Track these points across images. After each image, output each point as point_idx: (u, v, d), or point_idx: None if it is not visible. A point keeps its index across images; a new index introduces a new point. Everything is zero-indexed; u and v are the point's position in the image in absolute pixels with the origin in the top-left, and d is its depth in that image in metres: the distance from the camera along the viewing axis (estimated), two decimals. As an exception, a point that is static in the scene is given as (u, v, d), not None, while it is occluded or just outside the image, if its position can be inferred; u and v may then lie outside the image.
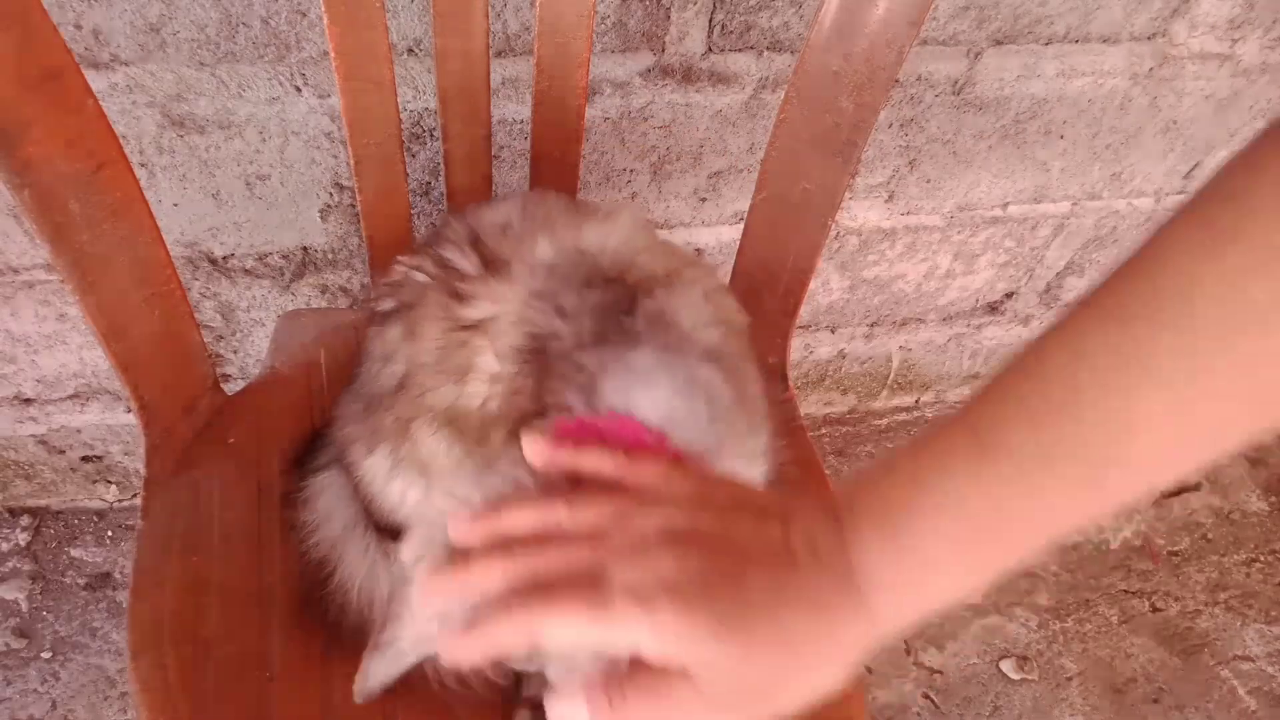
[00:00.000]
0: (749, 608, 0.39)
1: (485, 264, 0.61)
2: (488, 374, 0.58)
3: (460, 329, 0.59)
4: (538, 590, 0.41)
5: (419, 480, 0.62)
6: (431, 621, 0.47)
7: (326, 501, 0.68)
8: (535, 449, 0.48)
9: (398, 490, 0.62)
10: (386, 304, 0.64)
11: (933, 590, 0.40)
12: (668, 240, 0.69)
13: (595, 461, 0.47)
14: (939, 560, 0.39)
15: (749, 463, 0.56)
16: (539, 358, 0.57)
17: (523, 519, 0.45)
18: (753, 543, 0.41)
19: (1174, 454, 0.36)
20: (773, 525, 0.42)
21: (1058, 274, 1.38)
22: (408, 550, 0.50)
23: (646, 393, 0.52)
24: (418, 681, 0.62)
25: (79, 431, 1.19)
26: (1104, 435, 0.36)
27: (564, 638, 0.40)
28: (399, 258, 0.66)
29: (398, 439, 0.61)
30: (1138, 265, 0.36)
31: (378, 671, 0.49)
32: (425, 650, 0.49)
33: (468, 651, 0.42)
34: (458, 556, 0.45)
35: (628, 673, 0.40)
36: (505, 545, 0.44)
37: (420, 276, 0.63)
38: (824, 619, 0.40)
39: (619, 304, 0.58)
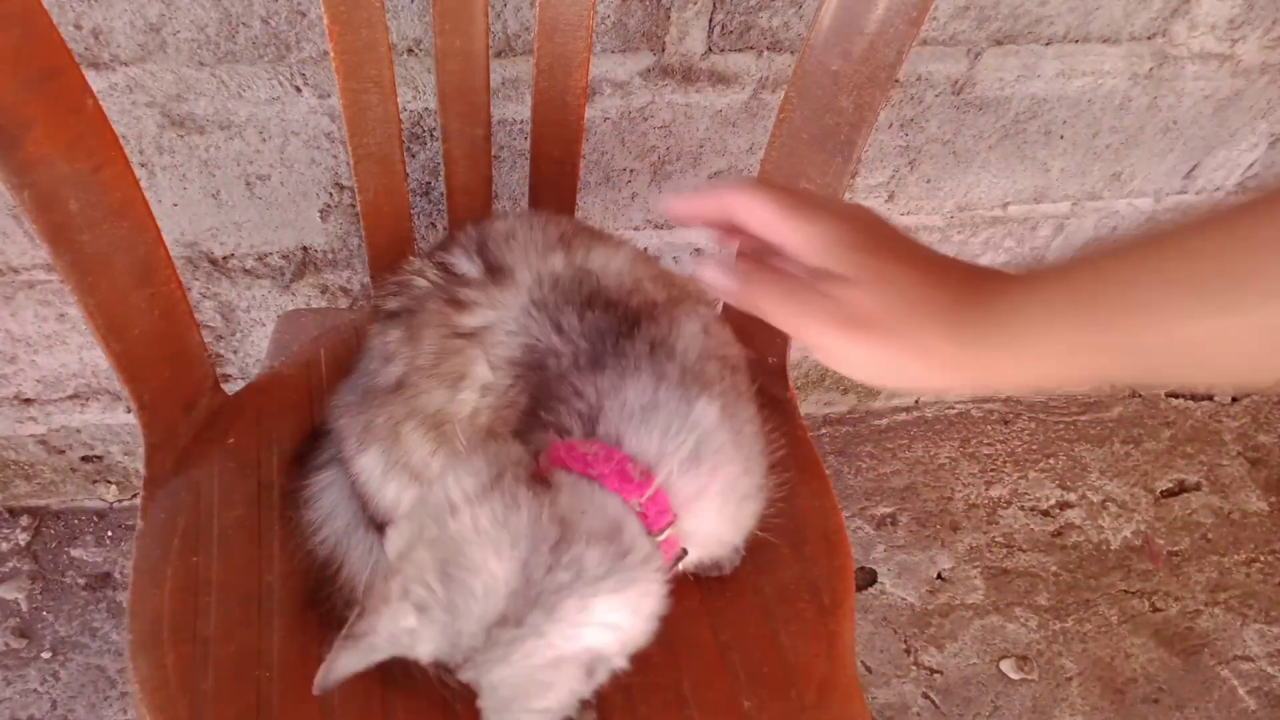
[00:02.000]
0: (896, 250, 0.45)
1: (489, 270, 0.61)
2: (480, 383, 0.58)
3: (456, 336, 0.59)
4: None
5: (411, 485, 0.62)
6: (408, 618, 0.47)
7: (329, 500, 0.68)
8: (666, 204, 0.50)
9: (393, 492, 0.63)
10: (392, 303, 0.65)
11: (1036, 354, 0.41)
12: (670, 269, 0.69)
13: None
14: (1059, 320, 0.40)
15: (740, 502, 0.57)
16: (535, 372, 0.57)
17: None
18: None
19: None
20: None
21: (1058, 274, 1.38)
22: (392, 543, 0.50)
23: (638, 434, 0.52)
24: (418, 680, 0.62)
25: (79, 431, 1.19)
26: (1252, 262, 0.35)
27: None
28: (409, 258, 0.66)
29: (390, 441, 0.61)
30: None
31: (345, 664, 0.48)
32: (398, 649, 0.48)
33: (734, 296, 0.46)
34: None
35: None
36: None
37: (422, 283, 0.63)
38: (946, 300, 0.43)
39: (618, 328, 0.57)
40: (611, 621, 0.48)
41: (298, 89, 0.88)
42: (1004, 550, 1.42)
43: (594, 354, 0.56)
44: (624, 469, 0.51)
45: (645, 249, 1.14)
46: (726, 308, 0.81)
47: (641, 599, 0.49)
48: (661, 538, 0.51)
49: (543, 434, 0.54)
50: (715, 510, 0.55)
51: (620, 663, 0.49)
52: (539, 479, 0.51)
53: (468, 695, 0.61)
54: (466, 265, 0.62)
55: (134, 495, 1.30)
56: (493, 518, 0.47)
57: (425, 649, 0.48)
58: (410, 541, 0.49)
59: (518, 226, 0.65)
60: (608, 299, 0.59)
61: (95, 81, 0.82)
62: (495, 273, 0.61)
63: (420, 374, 0.60)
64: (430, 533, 0.48)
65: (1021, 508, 1.48)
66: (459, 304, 0.60)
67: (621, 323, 0.58)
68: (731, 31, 0.94)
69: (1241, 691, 1.30)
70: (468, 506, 0.47)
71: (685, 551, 0.53)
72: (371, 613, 0.47)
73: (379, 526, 0.65)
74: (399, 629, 0.47)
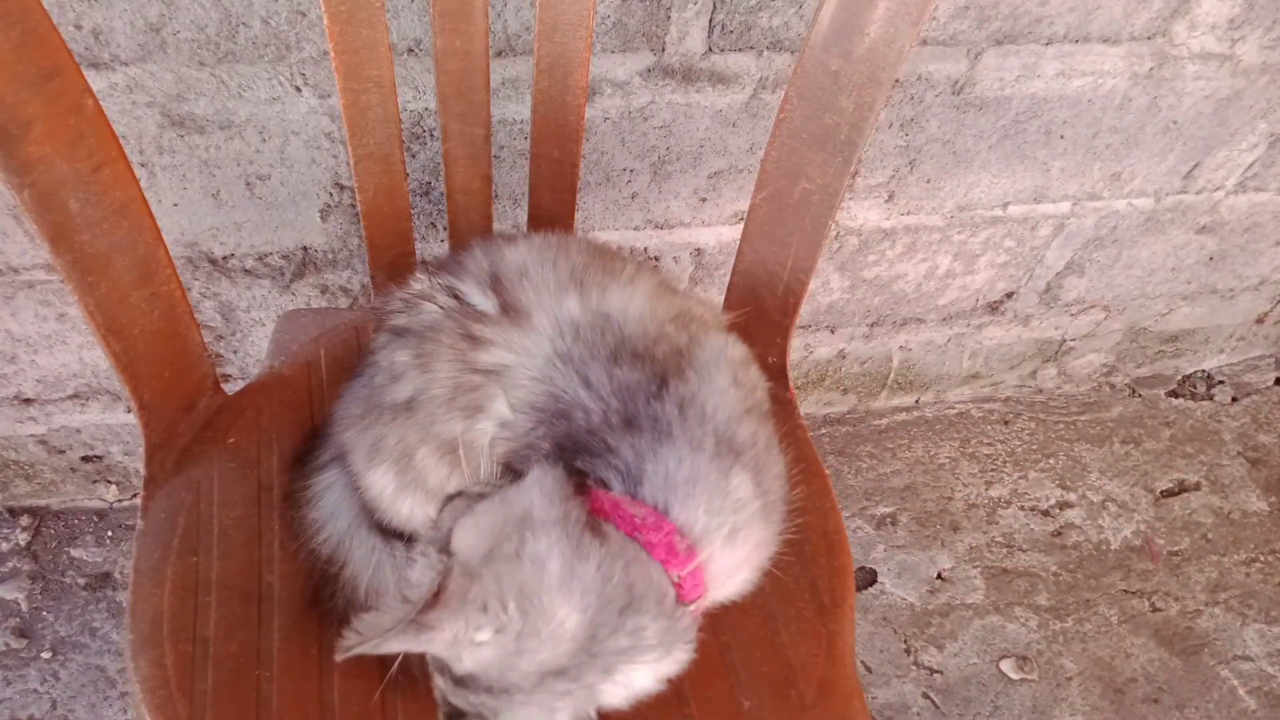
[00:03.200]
0: None
1: (503, 309, 0.60)
2: (498, 418, 0.58)
3: (474, 372, 0.59)
4: None
5: (428, 503, 0.62)
6: (483, 633, 0.47)
7: (331, 500, 0.68)
8: None
9: (407, 508, 0.63)
10: (399, 320, 0.64)
11: None
12: (686, 295, 0.68)
13: None
14: None
15: (762, 555, 0.57)
16: (561, 421, 0.56)
17: None
18: None
19: None
20: None
21: (1058, 274, 1.38)
22: (465, 536, 0.50)
23: (685, 506, 0.53)
24: (419, 680, 0.62)
25: (79, 431, 1.19)
26: None
27: None
28: (416, 274, 0.65)
29: (403, 462, 0.61)
30: None
31: (397, 646, 0.47)
32: (448, 652, 0.48)
33: None
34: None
35: None
36: None
37: (432, 308, 0.62)
38: None
39: (647, 386, 0.57)
40: (638, 684, 0.50)
41: (298, 89, 0.88)
42: (1004, 550, 1.42)
43: (626, 413, 0.55)
44: (672, 541, 0.51)
45: (645, 250, 1.14)
46: (732, 276, 0.81)
47: (669, 667, 0.51)
48: (692, 609, 0.52)
49: (579, 479, 0.54)
50: (741, 580, 0.57)
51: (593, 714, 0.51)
52: (591, 523, 0.51)
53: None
54: (480, 299, 0.61)
55: (134, 495, 1.30)
56: (564, 562, 0.48)
57: (470, 664, 0.48)
58: (490, 545, 0.49)
59: (529, 262, 0.63)
60: (634, 351, 0.58)
61: (95, 81, 0.82)
62: (511, 313, 0.60)
63: (435, 404, 0.59)
64: (509, 547, 0.48)
65: (1021, 508, 1.48)
66: (474, 339, 0.59)
67: (651, 380, 0.57)
68: (731, 31, 0.94)
69: (1241, 691, 1.30)
70: (545, 535, 0.48)
71: (700, 618, 0.55)
72: (445, 609, 0.46)
73: (391, 535, 0.66)
74: (467, 637, 0.47)
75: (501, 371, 0.58)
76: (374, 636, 0.46)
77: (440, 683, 0.50)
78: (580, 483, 0.54)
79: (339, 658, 0.47)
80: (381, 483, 0.63)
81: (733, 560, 0.54)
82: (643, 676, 0.50)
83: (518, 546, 0.48)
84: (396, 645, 0.47)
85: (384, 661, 0.63)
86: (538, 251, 0.64)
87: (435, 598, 0.46)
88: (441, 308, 0.62)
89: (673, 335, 0.60)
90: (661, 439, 0.54)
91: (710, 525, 0.53)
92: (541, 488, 0.50)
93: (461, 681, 0.48)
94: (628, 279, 0.63)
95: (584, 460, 0.54)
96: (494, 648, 0.47)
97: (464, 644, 0.47)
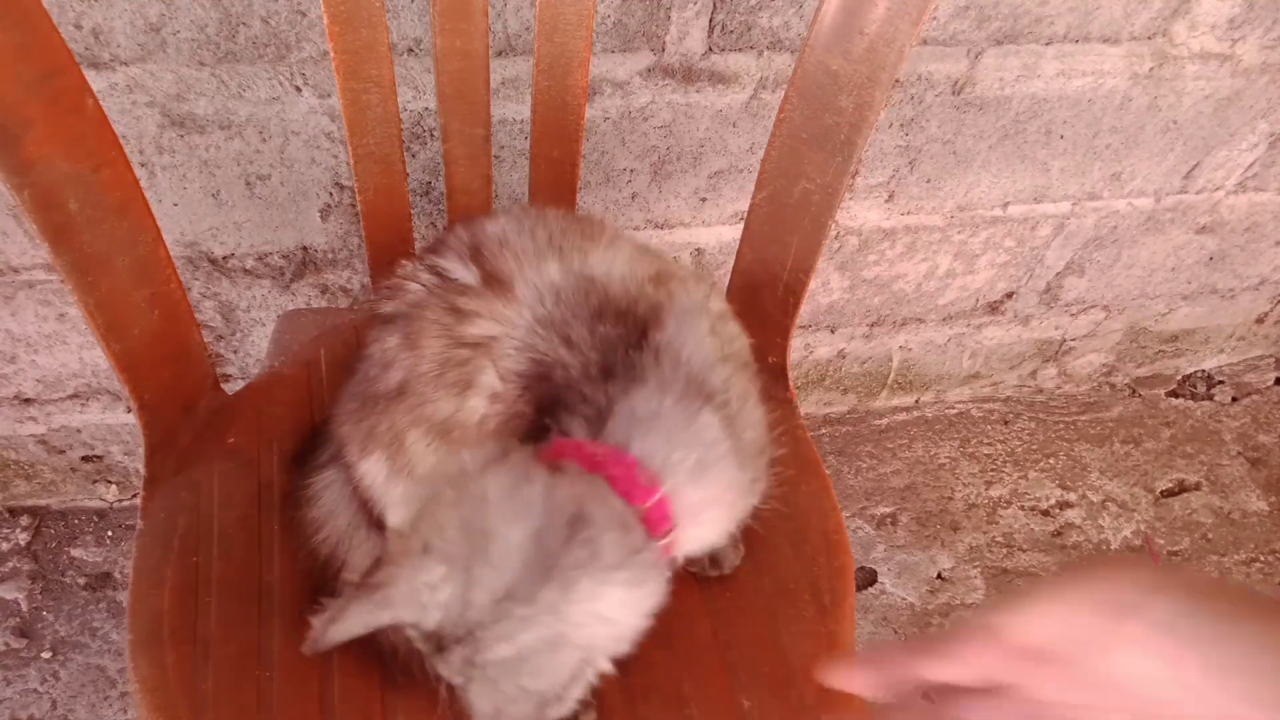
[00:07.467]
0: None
1: (485, 280, 0.61)
2: (489, 391, 0.58)
3: (461, 345, 0.59)
4: None
5: (420, 488, 0.62)
6: (434, 570, 0.46)
7: (330, 499, 0.68)
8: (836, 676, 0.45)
9: (399, 495, 0.63)
10: (386, 307, 0.64)
11: None
12: (662, 257, 0.69)
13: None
14: None
15: (733, 502, 0.57)
16: (541, 384, 0.57)
17: None
18: None
19: None
20: None
21: (1058, 274, 1.38)
22: (399, 512, 0.50)
23: (646, 439, 0.52)
24: (418, 680, 0.62)
25: (79, 431, 1.19)
26: None
27: None
28: (401, 261, 0.66)
29: (393, 449, 0.61)
30: None
31: (353, 621, 0.46)
32: (412, 610, 0.46)
33: None
34: None
35: None
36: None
37: (416, 287, 0.62)
38: None
39: (628, 338, 0.57)
40: (615, 618, 0.48)
41: (298, 89, 0.88)
42: (1004, 550, 1.42)
43: (605, 364, 0.56)
44: (633, 474, 0.51)
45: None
46: (732, 276, 0.81)
47: (646, 599, 0.49)
48: (660, 544, 0.51)
49: (546, 436, 0.54)
50: (711, 520, 0.56)
51: (605, 665, 0.48)
52: (547, 463, 0.51)
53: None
54: (462, 271, 0.61)
55: (134, 495, 1.30)
56: (503, 489, 0.47)
57: (435, 614, 0.46)
58: (424, 507, 0.48)
59: (508, 230, 0.64)
60: (618, 309, 0.59)
61: (95, 81, 0.82)
62: (493, 283, 0.60)
63: (424, 382, 0.60)
64: (448, 496, 0.48)
65: (1021, 508, 1.48)
66: (459, 312, 0.59)
67: (632, 332, 0.57)
68: (731, 31, 0.94)
69: (1241, 691, 1.30)
70: (481, 476, 0.48)
71: (675, 560, 0.54)
72: (390, 564, 0.45)
73: (382, 526, 0.65)
74: (421, 582, 0.45)
75: (489, 343, 0.58)
76: (334, 618, 0.45)
77: (430, 659, 0.48)
78: (541, 435, 0.54)
79: (307, 650, 0.46)
80: (374, 471, 0.63)
81: (700, 496, 0.53)
82: (613, 603, 0.47)
83: (456, 493, 0.48)
84: (358, 620, 0.46)
85: (384, 661, 0.63)
86: (516, 221, 0.64)
87: (378, 561, 0.46)
88: (424, 285, 0.62)
89: (652, 294, 0.61)
90: (634, 382, 0.54)
91: (672, 457, 0.52)
92: (471, 452, 0.50)
93: (440, 644, 0.47)
94: (607, 243, 0.64)
95: (555, 417, 0.55)
96: (449, 584, 0.46)
97: (422, 592, 0.46)
